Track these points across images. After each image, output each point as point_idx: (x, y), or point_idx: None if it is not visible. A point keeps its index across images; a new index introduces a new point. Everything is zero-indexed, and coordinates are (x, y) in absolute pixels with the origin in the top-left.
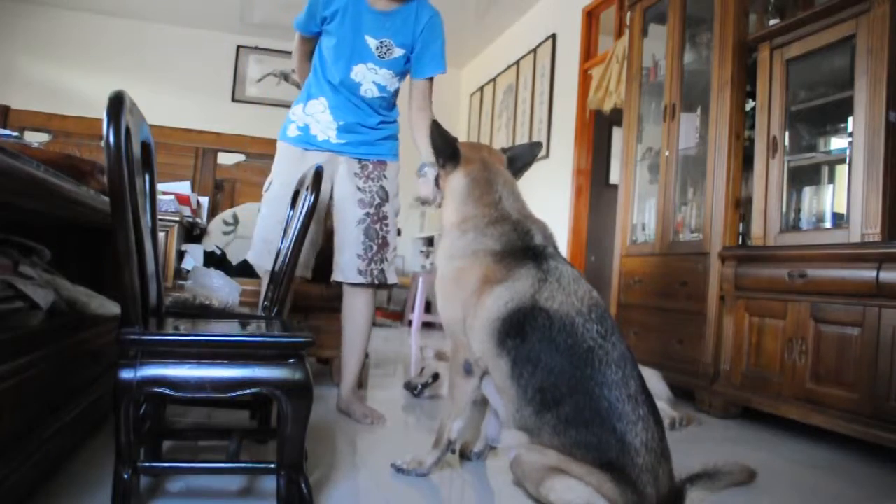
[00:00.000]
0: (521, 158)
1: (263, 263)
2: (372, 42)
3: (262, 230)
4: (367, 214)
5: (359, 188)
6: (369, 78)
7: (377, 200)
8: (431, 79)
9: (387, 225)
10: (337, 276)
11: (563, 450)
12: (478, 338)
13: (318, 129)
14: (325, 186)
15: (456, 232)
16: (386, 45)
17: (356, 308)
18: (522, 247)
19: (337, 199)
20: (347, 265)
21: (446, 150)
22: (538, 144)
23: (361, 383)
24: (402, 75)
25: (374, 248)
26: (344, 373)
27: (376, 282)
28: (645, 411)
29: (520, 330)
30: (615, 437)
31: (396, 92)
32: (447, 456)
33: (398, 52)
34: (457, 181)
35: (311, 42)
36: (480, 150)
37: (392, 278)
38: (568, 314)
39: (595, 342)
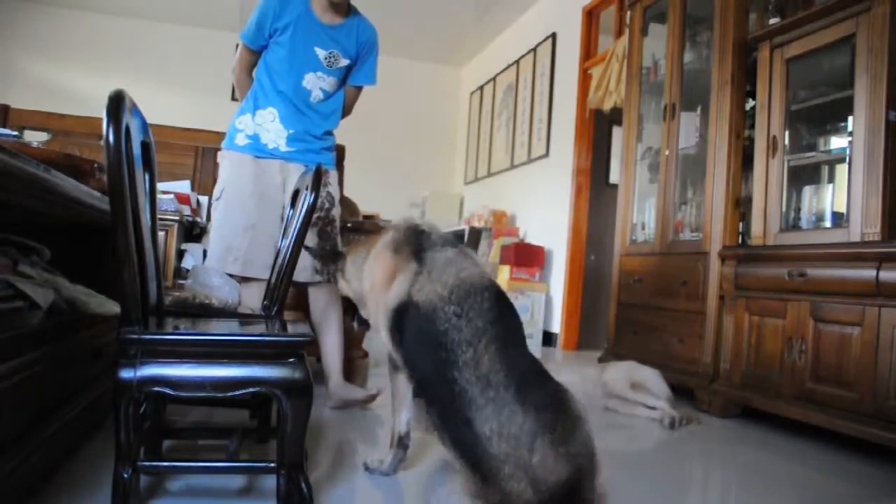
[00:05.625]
0: None
1: (226, 270)
2: (321, 53)
3: (225, 238)
4: (319, 218)
5: None
6: (318, 85)
7: (326, 205)
8: (360, 88)
9: (335, 227)
10: (298, 277)
11: (454, 452)
12: (383, 336)
13: (268, 138)
14: (279, 195)
15: (361, 263)
16: (334, 56)
17: (321, 302)
18: (412, 235)
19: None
20: (305, 266)
21: (333, 255)
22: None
23: (362, 383)
24: (342, 82)
25: (328, 248)
26: (329, 369)
27: (331, 280)
28: (498, 393)
29: (400, 326)
30: (469, 427)
31: (337, 97)
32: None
33: (343, 62)
34: (348, 260)
35: (255, 55)
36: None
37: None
38: (431, 301)
39: (449, 323)
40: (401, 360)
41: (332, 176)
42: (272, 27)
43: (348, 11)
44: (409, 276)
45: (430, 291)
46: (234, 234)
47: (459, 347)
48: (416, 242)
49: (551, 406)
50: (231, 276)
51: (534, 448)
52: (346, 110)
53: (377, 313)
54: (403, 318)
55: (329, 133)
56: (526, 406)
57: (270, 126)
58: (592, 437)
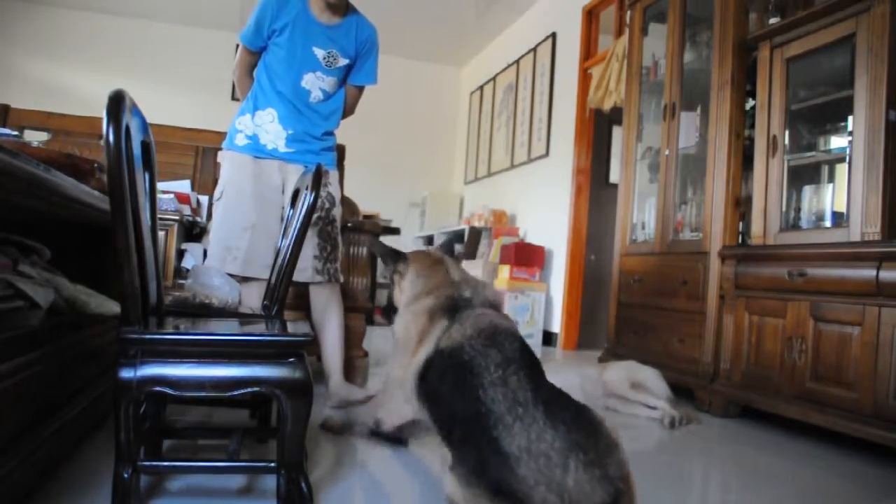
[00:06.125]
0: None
1: (226, 270)
2: (319, 53)
3: (224, 238)
4: (320, 218)
5: None
6: (317, 85)
7: (326, 205)
8: (362, 87)
9: (336, 227)
10: (298, 277)
11: (469, 481)
12: (410, 393)
13: (267, 139)
14: (278, 195)
15: (408, 305)
16: (332, 56)
17: (321, 302)
18: (449, 302)
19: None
20: (306, 266)
21: (395, 256)
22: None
23: (361, 383)
24: (342, 82)
25: (329, 248)
26: (330, 369)
27: (332, 280)
28: (527, 410)
29: (425, 374)
30: (493, 447)
31: (338, 98)
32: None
33: (342, 62)
34: (409, 273)
35: (254, 56)
36: (421, 251)
37: (340, 277)
38: (457, 341)
39: (476, 350)
40: (425, 407)
41: (333, 176)
42: (270, 28)
43: (347, 11)
44: (438, 332)
45: (457, 335)
46: (234, 234)
47: (487, 370)
48: (452, 307)
49: (582, 427)
50: (231, 275)
51: (567, 468)
52: (348, 110)
53: (404, 365)
54: (429, 370)
55: (329, 133)
56: (556, 423)
57: (269, 127)
58: (628, 465)
